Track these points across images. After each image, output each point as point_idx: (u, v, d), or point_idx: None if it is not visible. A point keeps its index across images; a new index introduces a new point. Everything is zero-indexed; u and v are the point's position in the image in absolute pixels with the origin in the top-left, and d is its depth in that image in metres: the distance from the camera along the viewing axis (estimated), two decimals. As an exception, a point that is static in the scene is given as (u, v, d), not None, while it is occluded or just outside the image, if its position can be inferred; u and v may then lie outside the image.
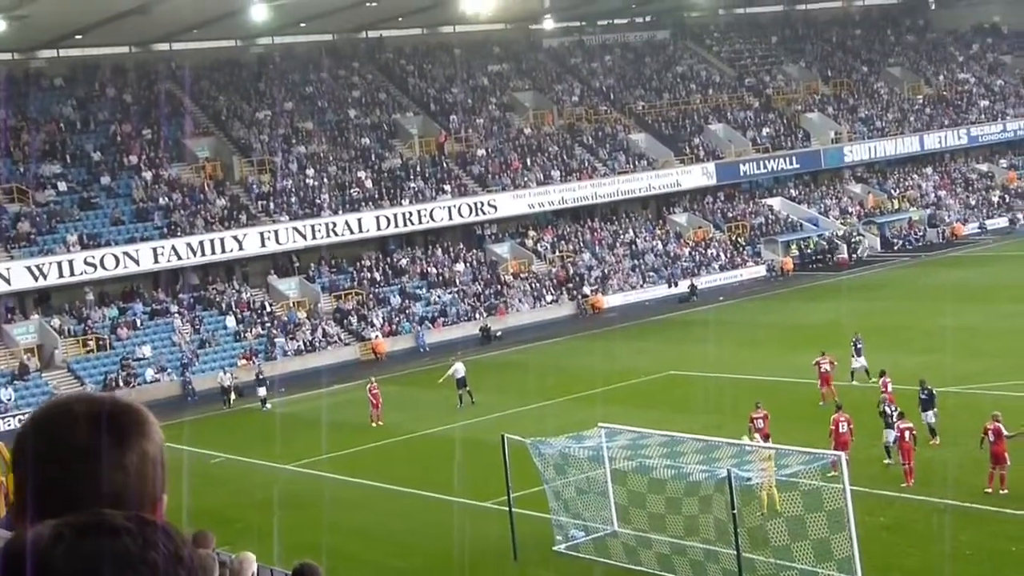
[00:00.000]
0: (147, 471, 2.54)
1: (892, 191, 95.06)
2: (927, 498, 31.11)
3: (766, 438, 33.76)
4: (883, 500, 31.13)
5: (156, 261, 67.21)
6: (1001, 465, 30.51)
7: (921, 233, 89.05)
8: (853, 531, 25.98)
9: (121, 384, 60.67)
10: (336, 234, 72.55)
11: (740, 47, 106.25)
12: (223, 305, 68.93)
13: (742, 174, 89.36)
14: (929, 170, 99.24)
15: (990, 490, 30.58)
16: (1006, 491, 30.43)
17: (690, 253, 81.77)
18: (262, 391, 56.36)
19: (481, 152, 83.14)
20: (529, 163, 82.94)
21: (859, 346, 44.12)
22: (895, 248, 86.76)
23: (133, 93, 79.94)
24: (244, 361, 63.80)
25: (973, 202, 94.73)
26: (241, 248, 69.80)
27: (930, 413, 35.38)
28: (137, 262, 66.53)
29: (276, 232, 70.72)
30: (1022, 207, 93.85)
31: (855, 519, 26.14)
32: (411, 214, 74.95)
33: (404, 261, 75.81)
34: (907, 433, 31.98)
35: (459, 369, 50.56)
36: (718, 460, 28.71)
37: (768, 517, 29.10)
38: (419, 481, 38.71)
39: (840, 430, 32.76)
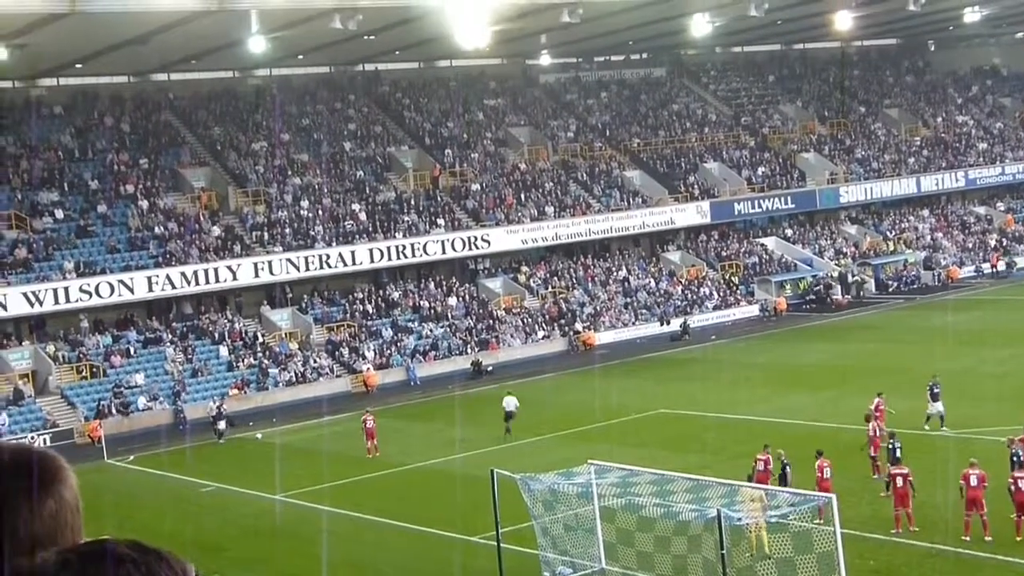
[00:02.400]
0: (65, 516, 2.58)
1: (888, 233, 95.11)
2: (916, 542, 30.93)
3: (765, 481, 33.41)
4: (873, 544, 30.92)
5: (150, 290, 67.19)
6: (979, 511, 30.35)
7: (916, 275, 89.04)
8: (843, 573, 25.82)
9: (114, 411, 60.66)
10: (329, 266, 72.48)
11: (737, 85, 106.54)
12: (216, 335, 68.80)
13: (737, 213, 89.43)
14: (925, 212, 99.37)
15: (967, 537, 30.34)
16: (990, 538, 30.22)
17: (683, 291, 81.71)
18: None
19: (475, 186, 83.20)
20: (523, 198, 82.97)
21: (936, 391, 42.73)
22: (890, 290, 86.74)
23: (131, 122, 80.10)
24: (235, 391, 63.63)
25: (970, 245, 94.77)
26: (235, 278, 69.71)
27: (939, 404, 35.04)
28: (132, 290, 66.46)
29: (270, 263, 70.66)
30: (1019, 251, 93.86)
31: (845, 562, 25.99)
32: (404, 247, 74.91)
33: (396, 294, 75.72)
34: (900, 478, 31.72)
35: (510, 403, 50.33)
36: (708, 499, 28.54)
37: (758, 559, 28.91)
38: (408, 514, 38.47)
39: (824, 476, 32.48)
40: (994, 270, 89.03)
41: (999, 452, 34.12)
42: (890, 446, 35.04)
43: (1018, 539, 29.75)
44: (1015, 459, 32.82)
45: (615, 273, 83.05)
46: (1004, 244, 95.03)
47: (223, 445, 55.33)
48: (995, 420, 41.62)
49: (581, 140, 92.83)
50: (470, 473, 40.74)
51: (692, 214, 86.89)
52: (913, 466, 33.95)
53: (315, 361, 68.22)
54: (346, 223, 75.64)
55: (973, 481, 30.51)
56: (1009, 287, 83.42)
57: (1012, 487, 30.31)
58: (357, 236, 74.88)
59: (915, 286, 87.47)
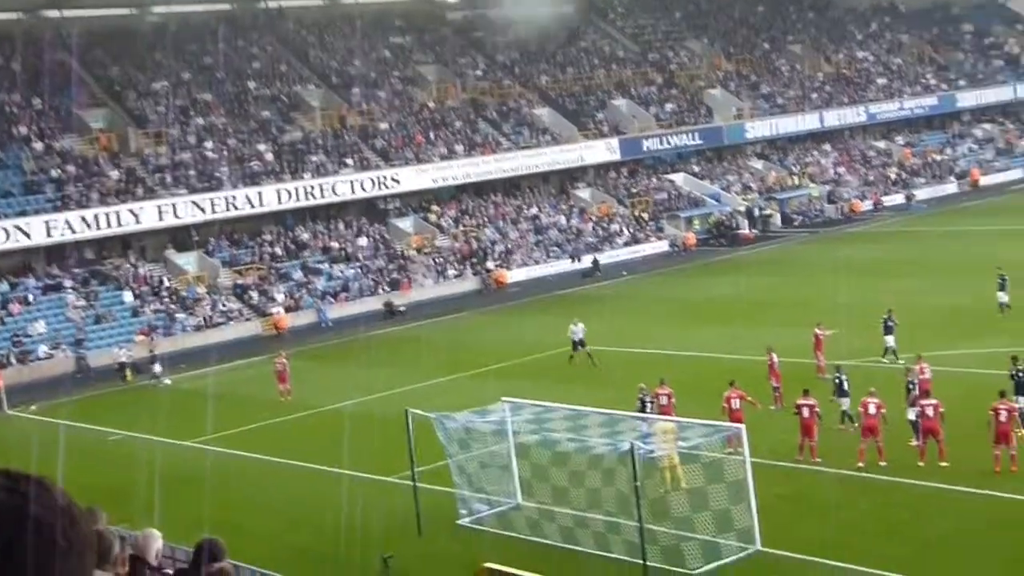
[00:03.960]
0: None
1: (792, 167, 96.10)
2: (824, 469, 31.54)
3: (667, 414, 33.78)
4: (781, 471, 31.49)
5: (49, 235, 65.94)
6: (875, 437, 30.98)
7: (820, 209, 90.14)
8: (753, 502, 26.28)
9: (14, 361, 59.57)
10: (236, 208, 71.72)
11: (644, 22, 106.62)
12: (119, 280, 67.88)
13: (645, 150, 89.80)
14: (828, 147, 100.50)
15: (862, 464, 30.96)
16: (884, 463, 30.88)
17: (593, 228, 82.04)
18: (157, 368, 55.57)
19: (384, 126, 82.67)
20: (432, 137, 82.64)
21: (889, 324, 42.91)
22: (795, 224, 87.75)
23: (22, 61, 77.83)
24: (141, 337, 62.88)
25: (871, 178, 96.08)
26: (138, 222, 68.74)
27: (845, 400, 35.26)
28: (28, 236, 65.23)
29: (174, 206, 69.74)
30: (918, 184, 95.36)
31: (755, 490, 26.44)
32: (313, 188, 74.33)
33: (306, 236, 75.22)
34: (806, 409, 32.26)
35: (577, 331, 49.70)
36: (621, 433, 28.82)
37: (671, 490, 29.32)
38: (323, 456, 38.45)
39: (733, 407, 32.90)
40: (875, 206, 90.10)
41: (899, 380, 34.85)
42: (836, 379, 35.60)
43: (920, 464, 30.37)
44: (910, 388, 33.53)
45: (526, 211, 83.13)
46: (903, 177, 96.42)
47: (130, 393, 54.81)
48: (900, 348, 42.40)
49: (490, 78, 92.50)
50: (385, 413, 40.74)
51: (601, 151, 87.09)
52: (822, 397, 34.60)
53: (223, 305, 67.66)
54: (252, 164, 74.86)
55: (871, 409, 31.16)
56: (909, 219, 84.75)
57: (920, 412, 30.95)
58: (264, 177, 74.14)
59: (819, 220, 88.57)
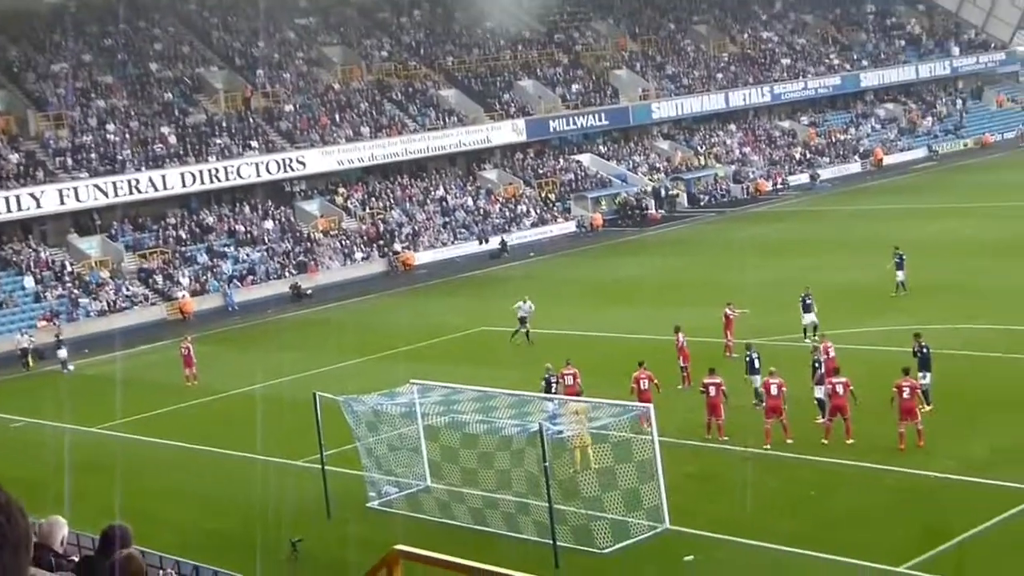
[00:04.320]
0: None
1: (698, 147, 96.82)
2: (731, 447, 31.85)
3: (575, 396, 33.88)
4: (690, 450, 31.75)
5: (-53, 220, 64.66)
6: (779, 417, 31.33)
7: (726, 189, 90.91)
8: (661, 480, 26.48)
9: (-86, 348, 58.42)
10: (139, 191, 70.73)
11: (550, 2, 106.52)
12: (20, 265, 66.72)
13: (552, 130, 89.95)
14: (733, 127, 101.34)
15: (769, 445, 31.33)
16: (791, 440, 31.26)
17: (500, 210, 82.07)
18: (62, 353, 54.73)
19: (289, 108, 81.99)
20: (338, 119, 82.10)
21: (808, 302, 42.89)
22: (701, 204, 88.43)
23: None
24: (44, 323, 61.90)
25: (776, 158, 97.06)
26: (39, 206, 67.51)
27: (757, 378, 35.57)
28: (-75, 221, 63.91)
29: (76, 189, 68.61)
30: (822, 164, 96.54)
31: (663, 469, 26.65)
32: (217, 171, 73.51)
33: (211, 219, 74.43)
34: (712, 388, 32.52)
35: (524, 307, 49.37)
36: (530, 414, 28.91)
37: (581, 470, 29.45)
38: (231, 441, 38.16)
39: (642, 387, 33.03)
40: (777, 185, 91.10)
41: (806, 359, 35.26)
42: (748, 357, 35.90)
43: (825, 441, 30.73)
44: (816, 366, 33.86)
45: (432, 192, 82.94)
46: (808, 157, 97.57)
47: (32, 379, 54.02)
48: (799, 328, 42.90)
49: (396, 59, 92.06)
50: (292, 397, 40.51)
51: (508, 132, 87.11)
52: (733, 376, 34.93)
53: (128, 289, 66.78)
54: (155, 147, 73.85)
55: (773, 390, 31.45)
56: (813, 199, 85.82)
57: (829, 391, 31.27)
58: (167, 160, 73.19)
59: (725, 200, 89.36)
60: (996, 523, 24.93)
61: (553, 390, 34.23)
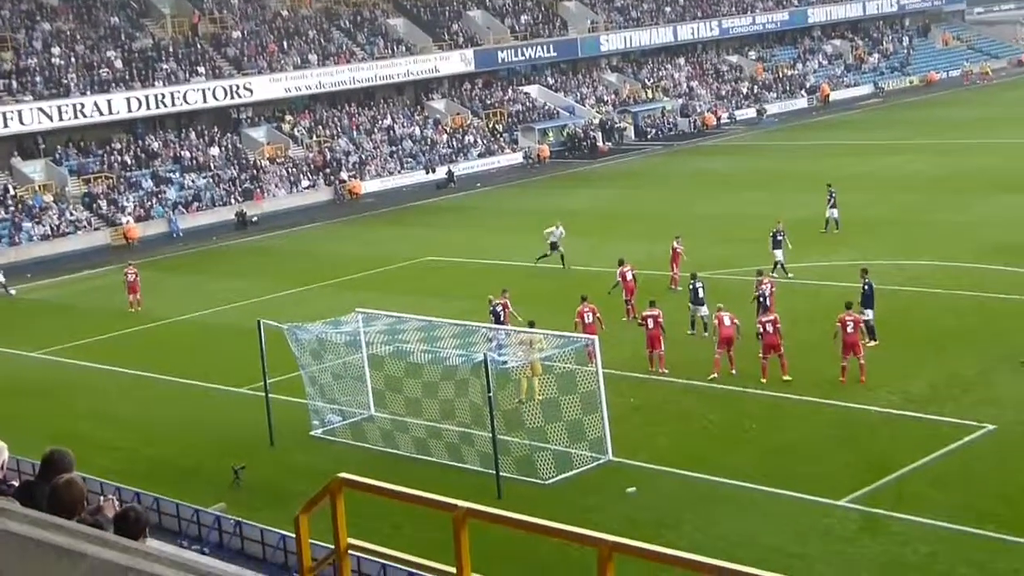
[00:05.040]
0: None
1: (646, 80, 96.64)
2: (674, 379, 32.03)
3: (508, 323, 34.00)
4: (633, 382, 31.89)
5: None
6: (729, 349, 31.55)
7: (673, 122, 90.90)
8: (605, 412, 26.61)
9: None
10: (84, 116, 69.78)
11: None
12: (-38, 188, 65.86)
13: (500, 61, 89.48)
14: (682, 61, 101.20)
15: (716, 375, 31.55)
16: (735, 371, 31.53)
17: (448, 139, 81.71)
18: (1, 277, 54.13)
19: (236, 34, 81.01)
20: (286, 46, 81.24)
21: (779, 238, 42.27)
22: (648, 137, 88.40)
23: None
24: (-14, 247, 61.24)
25: (723, 93, 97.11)
26: (-19, 128, 66.57)
27: (702, 308, 35.90)
28: None
29: (19, 112, 67.59)
30: (769, 99, 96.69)
31: (607, 400, 26.78)
32: (163, 96, 72.61)
33: (156, 144, 73.61)
34: (651, 320, 32.61)
35: (555, 233, 47.95)
36: (475, 344, 28.93)
37: (527, 400, 29.55)
38: (174, 368, 37.96)
39: (586, 320, 33.05)
40: (723, 119, 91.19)
41: (745, 293, 35.49)
42: (692, 286, 36.21)
43: (763, 380, 30.94)
44: (760, 301, 34.07)
45: (380, 122, 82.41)
46: (755, 92, 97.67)
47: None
48: (750, 261, 43.11)
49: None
50: (236, 324, 40.35)
51: (456, 62, 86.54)
52: (677, 308, 35.09)
53: (71, 214, 66.07)
54: (101, 71, 72.82)
55: (727, 321, 31.60)
56: (760, 133, 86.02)
57: (759, 330, 31.44)
58: (113, 85, 72.19)
59: (672, 133, 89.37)
60: (935, 457, 25.28)
61: (501, 319, 34.28)
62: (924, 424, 27.31)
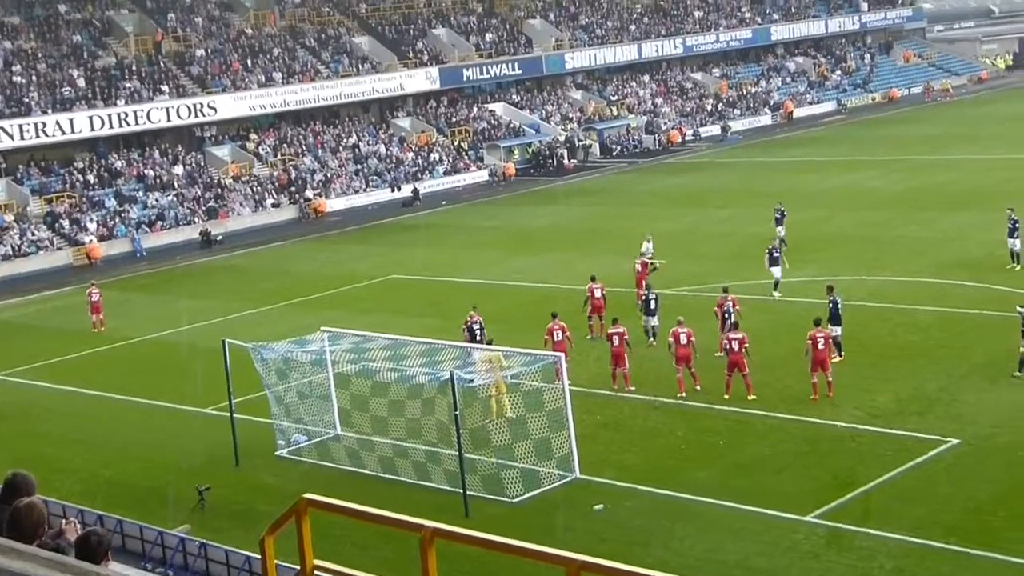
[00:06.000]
0: None
1: (611, 98, 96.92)
2: (641, 396, 32.04)
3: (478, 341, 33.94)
4: (600, 399, 31.89)
5: None
6: (688, 365, 31.61)
7: (638, 139, 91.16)
8: (572, 430, 26.58)
9: None
10: (46, 134, 69.36)
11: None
12: (-77, 208, 65.32)
13: (465, 79, 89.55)
14: (646, 78, 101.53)
15: (683, 394, 31.58)
16: (699, 387, 31.60)
17: (413, 157, 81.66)
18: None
19: (200, 52, 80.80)
20: (250, 64, 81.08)
21: (775, 255, 41.66)
22: (614, 154, 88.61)
23: None
24: (-53, 267, 60.75)
25: (688, 110, 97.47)
26: (-58, 148, 66.13)
27: (653, 319, 36.32)
28: None
29: (-20, 132, 67.20)
30: (734, 116, 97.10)
31: (574, 417, 26.75)
32: (127, 115, 72.28)
33: (120, 163, 73.27)
34: (616, 338, 32.65)
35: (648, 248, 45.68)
36: (441, 363, 28.85)
37: (497, 418, 29.50)
38: (138, 388, 37.74)
39: (556, 338, 33.07)
40: (688, 136, 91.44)
41: (712, 309, 35.58)
42: (643, 297, 36.80)
43: (726, 396, 30.98)
44: (726, 318, 34.15)
45: (345, 140, 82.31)
46: (719, 109, 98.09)
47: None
48: (714, 278, 43.27)
49: (308, 5, 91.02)
50: (201, 344, 40.14)
51: (421, 80, 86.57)
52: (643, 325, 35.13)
53: (33, 233, 65.62)
54: (63, 89, 72.48)
55: (682, 340, 31.64)
56: (725, 150, 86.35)
57: (725, 346, 31.47)
58: (76, 103, 71.85)
59: (637, 150, 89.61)
60: (901, 472, 25.36)
61: (478, 337, 34.16)
62: (889, 439, 27.39)
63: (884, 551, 21.92)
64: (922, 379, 31.38)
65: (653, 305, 36.55)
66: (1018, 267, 41.62)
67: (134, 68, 76.88)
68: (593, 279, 38.99)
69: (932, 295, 39.78)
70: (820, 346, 30.14)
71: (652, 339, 36.06)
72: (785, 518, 23.62)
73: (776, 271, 41.32)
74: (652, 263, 42.63)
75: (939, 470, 25.49)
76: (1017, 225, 41.96)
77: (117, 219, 68.30)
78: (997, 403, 29.08)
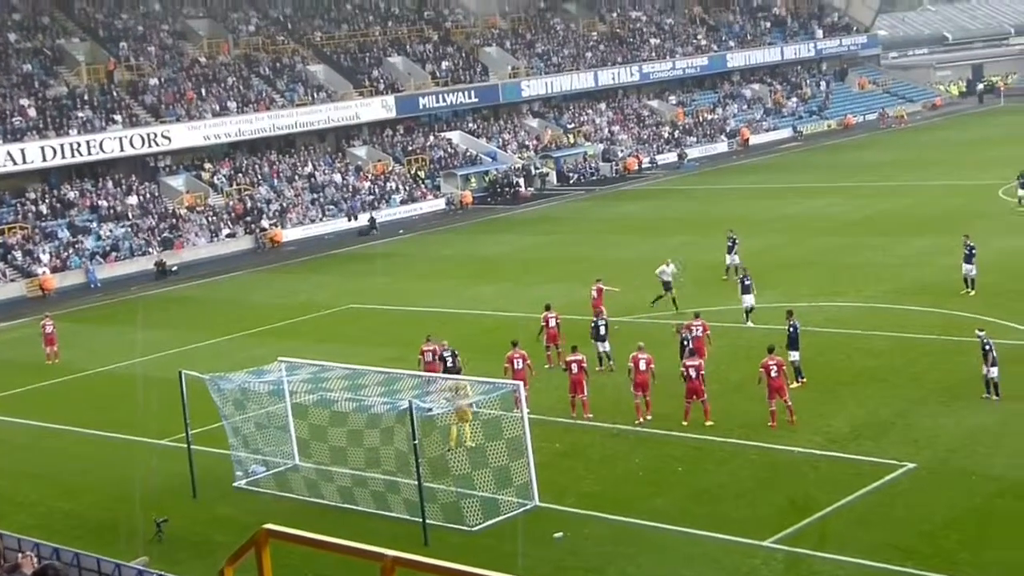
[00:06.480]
0: None
1: (568, 126, 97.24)
2: (600, 424, 32.04)
3: (434, 371, 33.76)
4: (560, 427, 31.88)
5: None
6: (646, 393, 31.66)
7: (595, 167, 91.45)
8: (531, 458, 26.54)
9: None
10: (-2, 165, 68.95)
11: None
12: None
13: (422, 107, 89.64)
14: (603, 106, 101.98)
15: (641, 420, 31.61)
16: (650, 416, 31.68)
17: (370, 186, 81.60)
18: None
19: (153, 81, 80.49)
20: (204, 93, 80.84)
21: (747, 283, 41.22)
22: (571, 182, 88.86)
23: None
24: (-101, 299, 60.13)
25: (644, 137, 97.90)
26: None
27: (604, 344, 36.62)
28: None
29: (-68, 163, 66.70)
30: (690, 143, 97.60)
31: (533, 446, 26.71)
32: (79, 145, 71.88)
33: (73, 194, 72.81)
34: (575, 365, 32.66)
35: (666, 271, 44.63)
36: (400, 392, 28.75)
37: (456, 447, 29.42)
38: (94, 420, 37.43)
39: (516, 366, 33.02)
40: (640, 165, 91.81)
41: (670, 336, 35.61)
42: (593, 324, 37.12)
43: (685, 423, 31.03)
44: (684, 344, 34.18)
45: (301, 169, 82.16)
46: (676, 136, 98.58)
47: None
48: (670, 304, 43.36)
49: (263, 33, 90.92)
50: (157, 376, 39.88)
51: (377, 108, 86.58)
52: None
53: (-13, 265, 65.14)
54: (14, 119, 72.00)
55: (642, 365, 31.67)
56: (682, 177, 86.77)
57: (684, 373, 31.53)
58: (27, 133, 71.40)
59: (594, 178, 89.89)
60: (858, 496, 25.45)
61: (449, 365, 34.00)
62: (846, 464, 27.49)
63: (841, 575, 21.97)
64: (878, 404, 31.54)
65: (603, 331, 36.90)
66: (972, 292, 41.95)
67: (86, 97, 76.51)
68: (548, 308, 38.96)
69: (889, 320, 40.03)
70: (773, 374, 30.14)
71: (604, 364, 36.24)
72: (743, 543, 23.65)
73: (748, 299, 41.10)
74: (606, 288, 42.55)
75: (895, 494, 25.60)
76: (973, 251, 42.31)
77: (71, 250, 67.85)
78: (952, 427, 29.27)
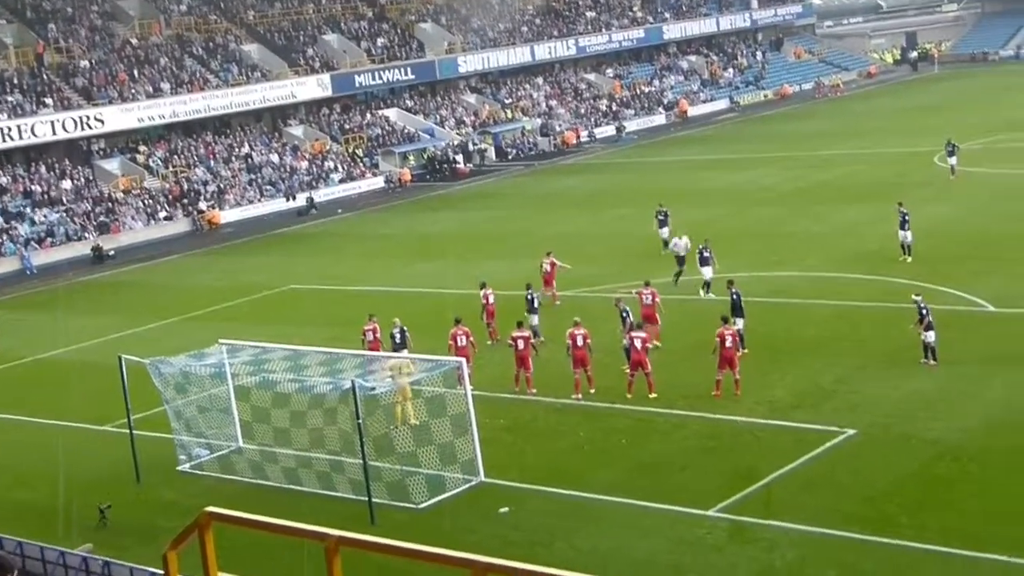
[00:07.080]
0: None
1: (505, 101, 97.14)
2: (543, 398, 32.12)
3: (376, 350, 33.70)
4: (503, 403, 31.93)
5: None
6: (585, 368, 31.77)
7: (533, 142, 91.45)
8: (475, 434, 26.58)
9: None
10: (-72, 152, 68.02)
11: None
12: None
13: (358, 85, 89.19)
14: (540, 80, 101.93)
15: (578, 396, 31.72)
16: (594, 390, 31.79)
17: (308, 166, 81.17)
18: None
19: (84, 63, 79.56)
20: (137, 75, 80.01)
21: (705, 255, 40.53)
22: (509, 157, 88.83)
23: None
24: None
25: (582, 111, 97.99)
26: None
27: (535, 317, 37.04)
28: None
29: None
30: (628, 116, 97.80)
31: (477, 422, 26.75)
32: (9, 129, 70.91)
33: (5, 179, 71.92)
34: (521, 341, 32.69)
35: (679, 244, 43.56)
36: (342, 371, 28.67)
37: (401, 425, 29.38)
38: (33, 408, 37.09)
39: (459, 343, 32.87)
40: (579, 139, 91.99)
41: (611, 310, 35.66)
42: (528, 296, 37.72)
43: (628, 396, 31.15)
44: (624, 316, 34.24)
45: (237, 150, 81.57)
46: (614, 109, 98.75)
47: None
48: (611, 278, 43.52)
49: (195, 13, 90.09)
50: (97, 361, 39.55)
51: (313, 87, 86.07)
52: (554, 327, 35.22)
53: (-81, 254, 64.25)
54: (-56, 106, 71.05)
55: (579, 341, 31.71)
56: (620, 150, 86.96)
57: (628, 344, 31.62)
58: (-43, 119, 70.48)
59: (533, 152, 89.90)
60: (801, 463, 25.68)
61: (397, 342, 33.88)
62: (789, 432, 27.74)
63: (786, 541, 22.19)
64: (819, 372, 31.83)
65: (536, 304, 37.66)
66: (910, 258, 42.36)
67: (15, 81, 75.51)
68: (483, 285, 38.82)
69: (829, 289, 40.37)
70: (728, 344, 30.28)
71: (536, 337, 35.96)
72: (689, 513, 23.81)
73: (707, 271, 40.69)
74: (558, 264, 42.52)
75: (837, 460, 25.86)
76: (907, 218, 42.72)
77: (4, 237, 67.02)
78: (892, 393, 29.59)
